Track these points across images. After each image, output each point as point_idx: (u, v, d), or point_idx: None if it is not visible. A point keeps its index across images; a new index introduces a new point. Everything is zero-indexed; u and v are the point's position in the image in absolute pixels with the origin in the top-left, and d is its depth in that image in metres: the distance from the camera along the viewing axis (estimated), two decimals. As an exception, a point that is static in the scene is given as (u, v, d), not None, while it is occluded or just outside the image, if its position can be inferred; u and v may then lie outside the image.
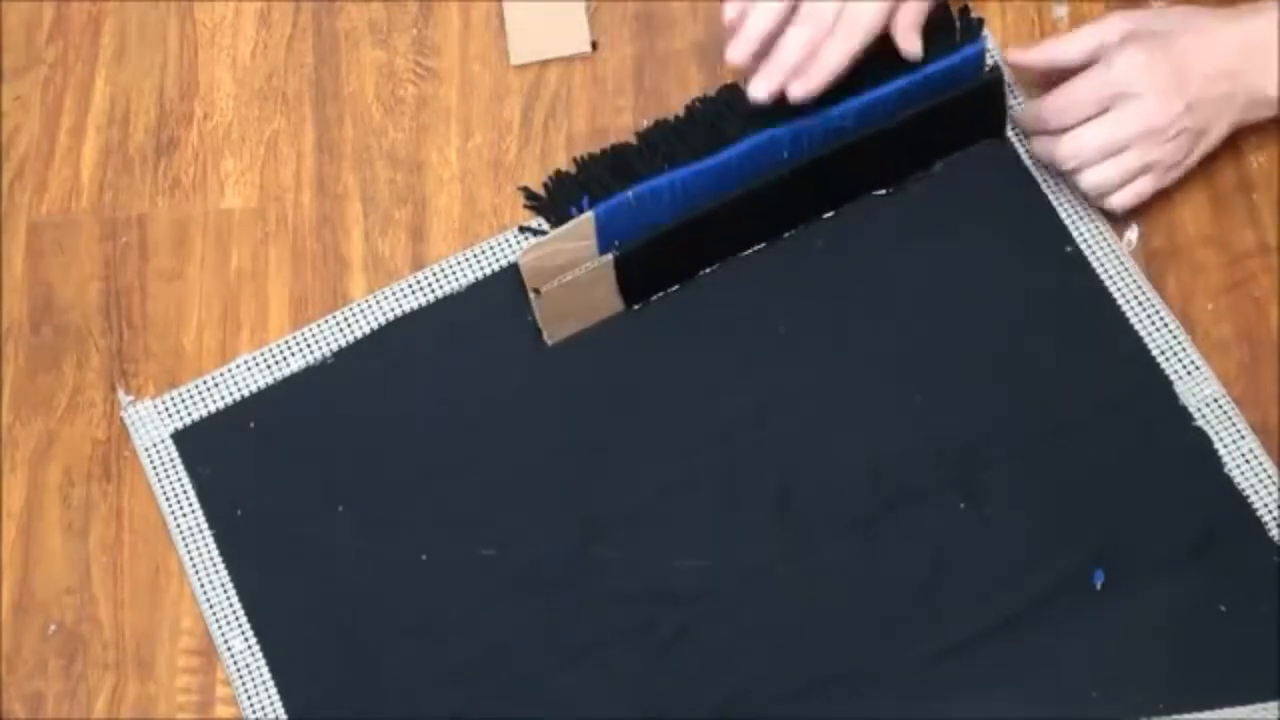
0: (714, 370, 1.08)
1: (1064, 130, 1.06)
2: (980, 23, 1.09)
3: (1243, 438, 1.04)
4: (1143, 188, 1.06)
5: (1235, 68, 1.04)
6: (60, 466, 1.09)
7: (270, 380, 1.10)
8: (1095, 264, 1.09)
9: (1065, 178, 1.08)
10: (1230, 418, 1.05)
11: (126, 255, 1.14)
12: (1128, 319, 1.07)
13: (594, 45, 1.17)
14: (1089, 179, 1.06)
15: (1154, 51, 1.04)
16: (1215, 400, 1.05)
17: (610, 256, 1.06)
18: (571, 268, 1.06)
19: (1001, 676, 1.00)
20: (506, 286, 1.10)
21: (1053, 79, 1.07)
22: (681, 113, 1.12)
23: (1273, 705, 0.96)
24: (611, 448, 1.07)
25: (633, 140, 1.11)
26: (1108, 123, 1.04)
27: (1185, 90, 1.03)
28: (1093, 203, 1.08)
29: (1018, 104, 1.12)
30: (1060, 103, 1.06)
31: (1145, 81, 1.03)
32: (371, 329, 1.11)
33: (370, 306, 1.11)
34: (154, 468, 1.08)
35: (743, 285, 1.10)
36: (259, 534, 1.07)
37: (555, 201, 1.10)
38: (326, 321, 1.11)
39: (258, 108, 1.17)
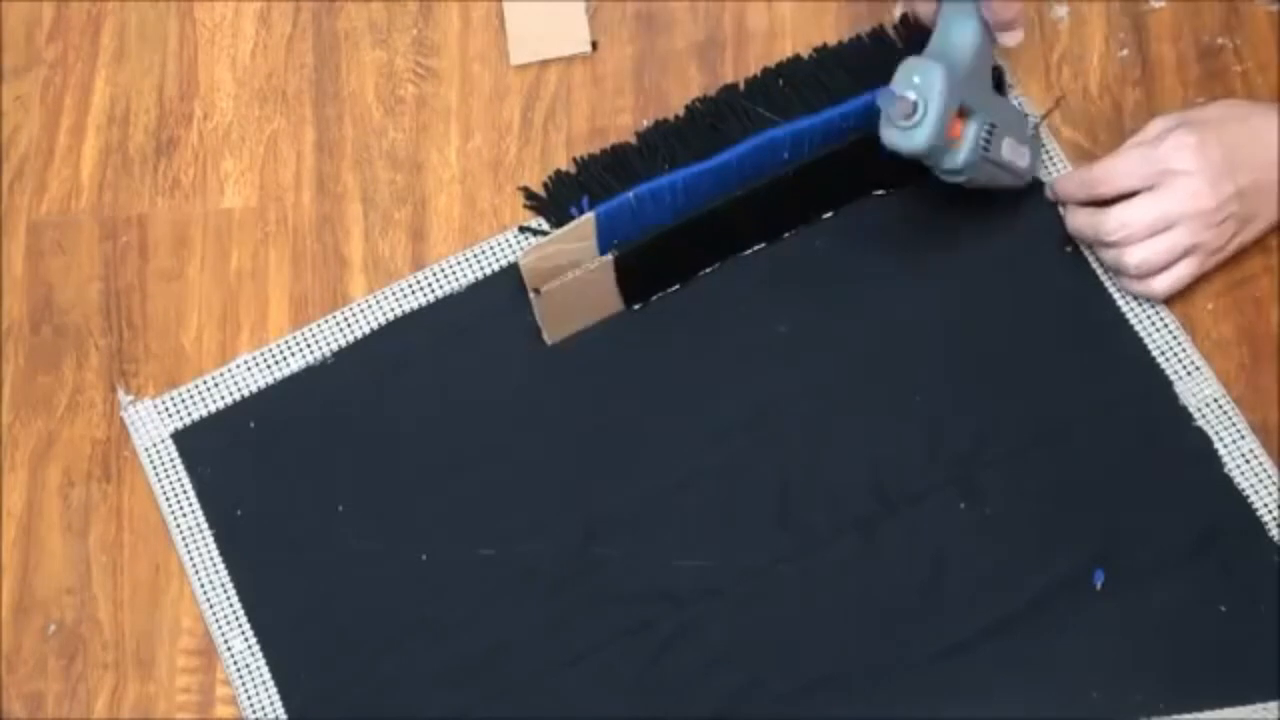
0: (714, 370, 1.08)
1: (1107, 203, 1.04)
2: (980, 23, 1.09)
3: (1243, 438, 1.04)
4: (1185, 271, 1.05)
5: None
6: (60, 466, 1.09)
7: (270, 380, 1.10)
8: (1095, 264, 1.09)
9: (1103, 255, 1.06)
10: (1230, 418, 1.05)
11: (126, 255, 1.14)
12: (1127, 319, 1.07)
13: (594, 45, 1.17)
14: (1135, 255, 1.04)
15: (1205, 134, 1.03)
16: (1215, 400, 1.05)
17: (610, 257, 1.06)
18: (572, 268, 1.06)
19: (1001, 676, 1.00)
20: (506, 286, 1.10)
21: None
22: (681, 113, 1.12)
23: (1273, 705, 0.96)
24: (611, 448, 1.07)
25: (633, 140, 1.11)
26: (1157, 198, 1.03)
27: (1236, 175, 1.02)
28: (1131, 287, 1.06)
29: (1018, 103, 1.12)
30: (1108, 170, 1.04)
31: (1197, 161, 1.02)
32: (371, 329, 1.11)
33: (370, 306, 1.11)
34: (154, 468, 1.08)
35: (743, 285, 1.10)
36: (259, 534, 1.06)
37: (555, 202, 1.10)
38: (326, 321, 1.11)
39: (258, 108, 1.17)
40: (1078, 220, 1.07)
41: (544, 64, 1.17)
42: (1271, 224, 1.05)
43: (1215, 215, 1.03)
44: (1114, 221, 1.04)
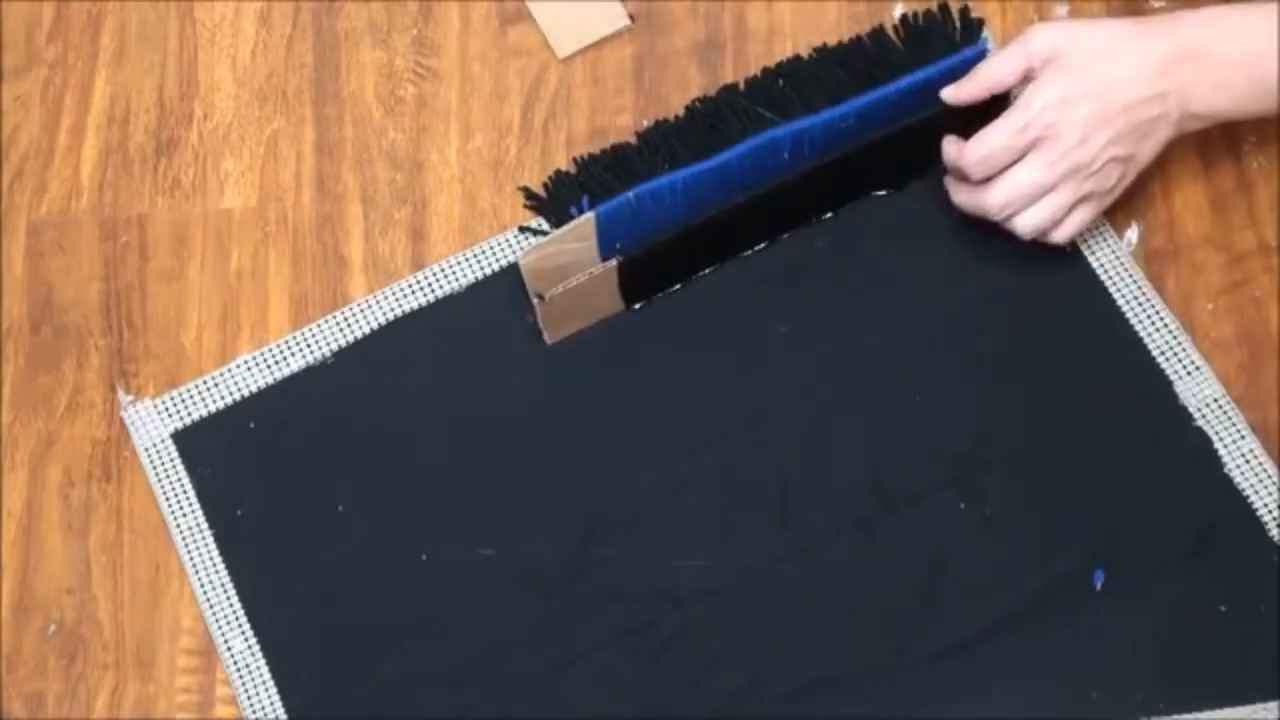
0: (714, 370, 1.08)
1: (987, 180, 1.04)
2: (980, 23, 1.09)
3: (1243, 438, 1.04)
4: (1079, 218, 1.04)
5: (1161, 90, 1.00)
6: (60, 466, 1.09)
7: (270, 380, 1.10)
8: (1095, 264, 1.09)
9: (999, 224, 1.06)
10: (1230, 418, 1.05)
11: (126, 255, 1.14)
12: (1128, 319, 1.07)
13: (631, 18, 1.17)
14: (1024, 223, 1.03)
15: (1069, 86, 1.00)
16: (1215, 400, 1.05)
17: (614, 262, 1.06)
18: (572, 269, 1.06)
19: (1001, 676, 1.00)
20: (506, 286, 1.10)
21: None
22: (681, 113, 1.12)
23: (1273, 705, 0.96)
24: (611, 448, 1.07)
25: (633, 140, 1.11)
26: (1032, 166, 1.02)
27: (1108, 124, 1.00)
28: (1031, 240, 1.06)
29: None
30: (981, 152, 1.03)
31: (1066, 120, 1.00)
32: (371, 329, 1.11)
33: (370, 306, 1.11)
34: (154, 468, 1.08)
35: (743, 285, 1.10)
36: (259, 534, 1.06)
37: (555, 201, 1.10)
38: (326, 321, 1.11)
39: (258, 108, 1.17)
40: (960, 199, 1.06)
41: (544, 64, 1.17)
42: (1155, 154, 1.04)
43: (1093, 166, 1.01)
44: (996, 199, 1.03)
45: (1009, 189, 1.03)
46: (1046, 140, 1.01)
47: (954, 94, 1.05)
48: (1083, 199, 1.03)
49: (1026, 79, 1.03)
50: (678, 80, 1.16)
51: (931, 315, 1.09)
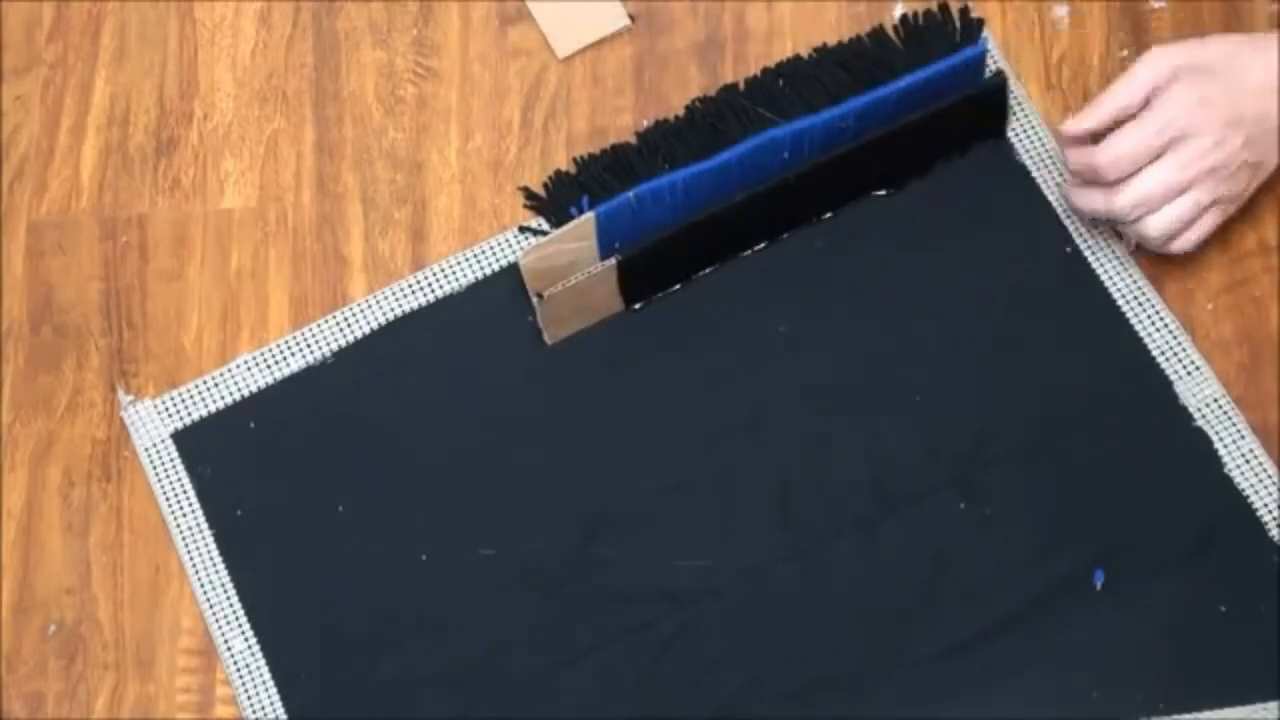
0: (714, 370, 1.08)
1: (1119, 181, 1.03)
2: (980, 23, 1.09)
3: (1243, 438, 1.04)
4: (1209, 223, 1.04)
5: None
6: (60, 466, 1.09)
7: (270, 380, 1.10)
8: (1095, 264, 1.09)
9: (1124, 231, 1.06)
10: (1230, 418, 1.05)
11: (126, 255, 1.14)
12: (1127, 319, 1.07)
13: (632, 18, 1.17)
14: (1155, 225, 1.03)
15: (1205, 88, 1.01)
16: (1215, 400, 1.05)
17: (614, 261, 1.06)
18: (572, 269, 1.06)
19: (1001, 676, 1.00)
20: (506, 286, 1.10)
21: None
22: (681, 113, 1.12)
23: (1273, 705, 0.96)
24: (611, 448, 1.07)
25: (633, 140, 1.11)
26: (1169, 166, 1.01)
27: (1241, 125, 1.01)
28: (1156, 250, 1.06)
29: (1019, 105, 1.12)
30: (1117, 151, 1.02)
31: (1202, 120, 1.01)
32: (371, 329, 1.11)
33: (370, 306, 1.11)
34: (154, 468, 1.08)
35: (743, 285, 1.10)
36: (259, 534, 1.07)
37: (555, 202, 1.10)
38: (326, 321, 1.11)
39: (258, 108, 1.17)
40: (1093, 203, 1.05)
41: (544, 64, 1.17)
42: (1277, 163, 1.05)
43: (1229, 168, 1.02)
44: (1129, 199, 1.02)
45: (1143, 188, 1.02)
46: (1183, 141, 1.01)
47: (1076, 126, 1.04)
48: (1213, 203, 1.03)
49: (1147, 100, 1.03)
50: (678, 80, 1.16)
51: (931, 315, 1.09)
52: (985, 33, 1.10)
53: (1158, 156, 1.02)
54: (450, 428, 1.08)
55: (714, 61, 1.16)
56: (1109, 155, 1.02)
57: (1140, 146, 1.01)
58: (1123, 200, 1.02)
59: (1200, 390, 1.06)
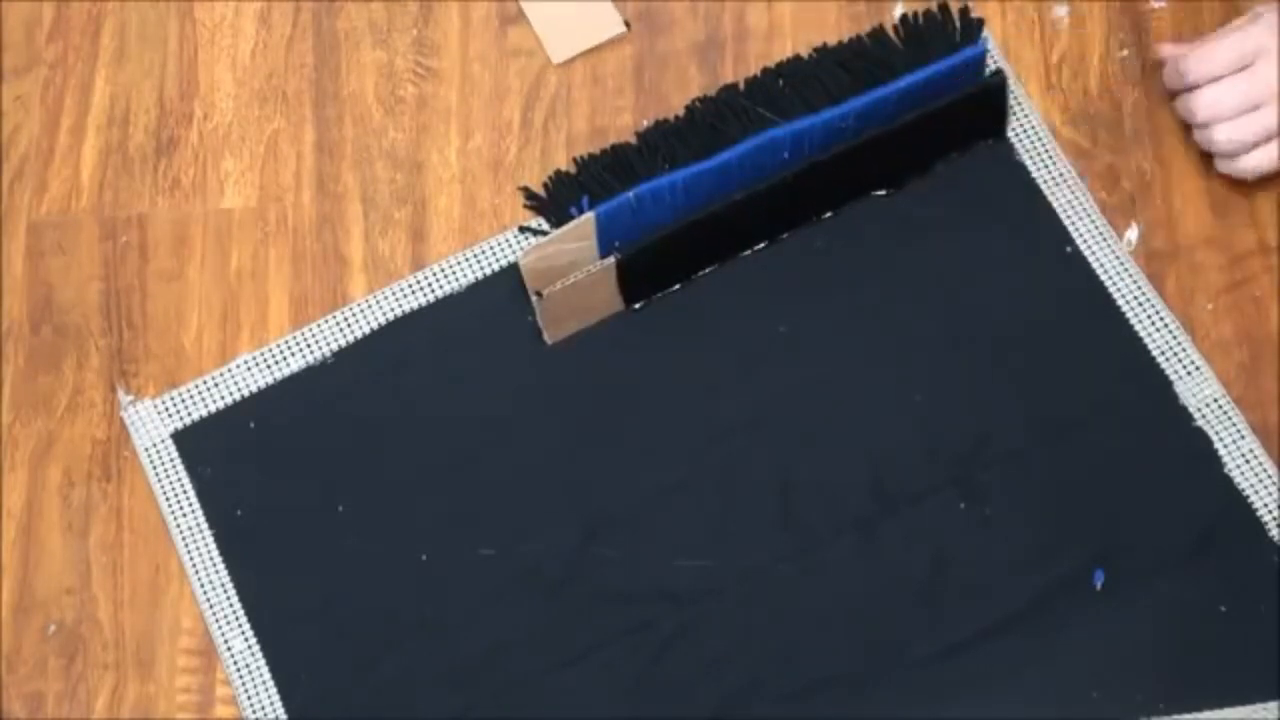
0: (714, 370, 1.08)
1: (1200, 85, 1.07)
2: (980, 23, 1.09)
3: (1243, 438, 1.04)
4: (1269, 155, 1.06)
5: None
6: (60, 466, 1.09)
7: (270, 380, 1.10)
8: (1095, 264, 1.09)
9: (1197, 136, 1.09)
10: (1230, 418, 1.05)
11: (126, 255, 1.14)
12: (1127, 319, 1.07)
13: (627, 25, 1.17)
14: (1222, 133, 1.06)
15: None
16: (1215, 400, 1.05)
17: (613, 259, 1.06)
18: (572, 269, 1.06)
19: (1001, 676, 1.00)
20: (506, 286, 1.10)
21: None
22: (681, 113, 1.12)
23: (1273, 705, 0.96)
24: (611, 448, 1.07)
25: (633, 140, 1.11)
26: (1246, 79, 1.05)
27: None
28: (1220, 166, 1.08)
29: (1019, 105, 1.12)
30: (1201, 55, 1.07)
31: None
32: (371, 329, 1.11)
33: (370, 306, 1.11)
34: (154, 468, 1.08)
35: (743, 285, 1.10)
36: (259, 534, 1.07)
37: (555, 202, 1.10)
38: (326, 321, 1.11)
39: (258, 108, 1.18)
40: (1176, 104, 1.10)
41: (544, 64, 1.17)
42: None
43: None
44: (1202, 101, 1.07)
45: (1218, 97, 1.06)
46: (1264, 59, 1.04)
47: (1167, 80, 1.10)
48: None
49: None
50: (678, 80, 1.16)
51: (931, 315, 1.09)
52: (985, 32, 1.10)
53: (1239, 70, 1.05)
54: (450, 427, 1.08)
55: (714, 61, 1.16)
56: (1194, 57, 1.07)
57: (1225, 56, 1.06)
58: (1196, 103, 1.07)
59: (1200, 390, 1.06)
